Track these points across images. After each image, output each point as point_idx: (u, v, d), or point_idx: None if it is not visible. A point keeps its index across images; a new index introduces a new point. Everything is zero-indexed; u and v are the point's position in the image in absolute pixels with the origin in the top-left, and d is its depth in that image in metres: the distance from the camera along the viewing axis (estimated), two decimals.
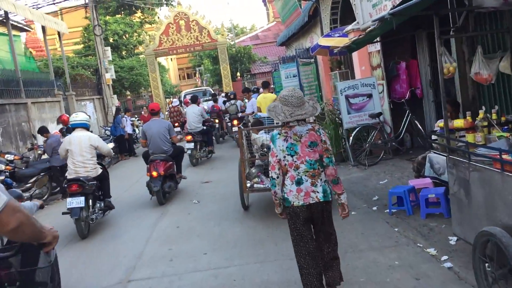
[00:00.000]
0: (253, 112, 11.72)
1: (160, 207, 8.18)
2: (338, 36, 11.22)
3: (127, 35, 37.34)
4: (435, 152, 5.91)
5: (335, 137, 9.77)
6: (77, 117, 7.33)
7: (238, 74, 32.83)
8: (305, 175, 3.59)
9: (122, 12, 38.84)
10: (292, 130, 3.64)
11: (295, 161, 3.60)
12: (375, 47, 9.32)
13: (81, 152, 6.98)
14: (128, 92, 32.13)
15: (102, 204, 7.37)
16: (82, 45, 37.74)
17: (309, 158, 3.59)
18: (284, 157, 3.63)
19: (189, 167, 11.90)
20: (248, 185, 6.68)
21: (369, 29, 5.39)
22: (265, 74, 34.19)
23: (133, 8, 39.37)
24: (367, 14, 9.17)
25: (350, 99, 9.40)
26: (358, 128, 9.07)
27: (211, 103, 20.41)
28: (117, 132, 16.42)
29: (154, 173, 8.05)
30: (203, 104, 23.50)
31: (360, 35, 6.49)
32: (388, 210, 6.09)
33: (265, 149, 6.49)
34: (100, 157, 8.73)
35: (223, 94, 25.92)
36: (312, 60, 14.77)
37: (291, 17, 18.47)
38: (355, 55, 9.93)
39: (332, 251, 3.79)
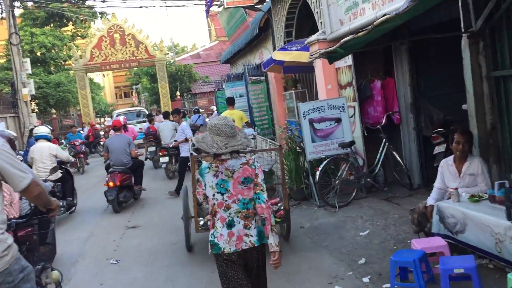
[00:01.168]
0: (186, 139, 9.80)
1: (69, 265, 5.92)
2: (296, 50, 9.58)
3: (56, 49, 34.14)
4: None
5: (295, 170, 7.96)
6: (39, 130, 9.21)
7: (178, 93, 30.63)
8: (237, 216, 3.20)
9: (52, 24, 35.61)
10: (224, 164, 3.23)
11: (226, 200, 3.21)
12: (345, 61, 7.67)
13: (42, 159, 8.40)
14: (53, 110, 28.95)
15: (64, 203, 8.46)
16: (4, 59, 34.17)
17: (242, 196, 3.21)
18: (214, 195, 3.22)
19: (164, 180, 11.91)
20: (201, 223, 5.64)
21: (380, 20, 3.61)
22: (207, 94, 32.29)
23: (64, 20, 36.34)
24: (337, 21, 7.52)
25: (315, 124, 7.65)
26: (327, 161, 7.28)
27: (146, 124, 18.13)
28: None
29: (111, 183, 8.71)
30: (136, 126, 21.16)
31: (343, 41, 4.70)
32: (389, 285, 4.25)
33: None
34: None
35: (160, 115, 23.65)
36: (263, 78, 13.03)
37: (237, 31, 16.75)
38: (319, 71, 8.24)
39: None
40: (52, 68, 34.60)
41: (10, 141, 6.50)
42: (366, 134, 7.68)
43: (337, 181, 7.20)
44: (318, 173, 7.17)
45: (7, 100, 18.02)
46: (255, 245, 3.20)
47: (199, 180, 3.35)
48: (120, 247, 6.67)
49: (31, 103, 31.21)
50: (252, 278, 3.28)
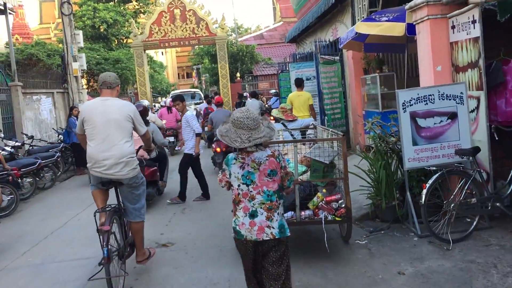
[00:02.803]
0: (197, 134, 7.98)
1: None
2: (387, 20, 7.39)
3: (118, 25, 33.35)
4: None
5: (385, 181, 5.81)
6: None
7: (238, 74, 28.78)
8: (261, 207, 3.22)
9: (116, 0, 34.88)
10: (250, 156, 3.23)
11: (251, 191, 3.22)
12: (468, 31, 5.37)
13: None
14: None
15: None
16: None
17: (267, 188, 3.23)
18: (239, 185, 3.24)
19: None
20: None
21: None
22: (268, 77, 30.30)
23: None
24: None
25: (418, 119, 5.44)
26: (439, 174, 5.06)
27: (203, 105, 16.70)
28: (70, 139, 12.44)
29: (218, 149, 9.69)
30: (190, 108, 19.65)
31: None
32: None
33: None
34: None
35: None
36: (337, 57, 10.81)
37: (307, 4, 14.56)
38: (425, 46, 5.96)
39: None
40: (114, 45, 33.93)
41: (145, 109, 7.94)
42: (497, 138, 5.37)
43: (452, 205, 4.96)
44: (424, 191, 4.98)
45: (57, 74, 16.87)
46: (276, 237, 3.21)
47: (224, 169, 3.34)
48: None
49: (88, 79, 30.96)
50: (270, 269, 3.28)
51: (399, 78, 8.72)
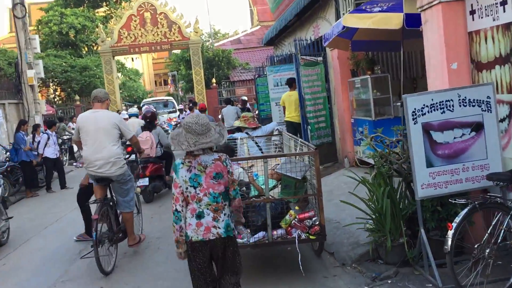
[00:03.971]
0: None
1: None
2: (381, 11, 6.20)
3: (87, 31, 31.64)
4: None
5: (390, 212, 4.47)
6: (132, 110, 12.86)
7: (214, 80, 27.34)
8: (207, 209, 3.35)
9: (85, 5, 33.18)
10: (197, 159, 3.38)
11: (198, 193, 3.35)
12: (495, 17, 4.10)
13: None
14: (77, 97, 26.30)
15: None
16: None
17: (213, 190, 3.36)
18: (187, 188, 3.36)
19: None
20: None
21: None
22: (246, 82, 28.96)
23: (98, 1, 33.89)
24: None
25: (433, 133, 4.13)
26: (469, 209, 3.72)
27: (176, 115, 15.67)
28: (18, 156, 10.88)
29: None
30: (162, 117, 18.36)
31: None
32: None
33: (243, 188, 4.95)
34: None
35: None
36: (320, 58, 9.50)
37: (285, 1, 13.29)
38: (437, 38, 4.67)
39: (237, 284, 3.50)
40: (84, 52, 32.22)
41: (153, 114, 9.47)
42: None
43: (488, 250, 3.63)
44: (451, 234, 3.63)
45: (9, 83, 15.22)
46: (222, 236, 3.31)
47: (174, 179, 3.40)
48: None
49: (54, 88, 29.16)
50: (217, 265, 3.43)
51: (394, 80, 7.46)
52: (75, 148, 17.93)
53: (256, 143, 6.79)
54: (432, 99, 4.12)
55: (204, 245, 3.32)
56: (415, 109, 4.11)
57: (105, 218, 5.45)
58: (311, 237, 4.65)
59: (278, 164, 5.35)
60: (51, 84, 28.18)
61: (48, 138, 11.21)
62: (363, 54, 8.11)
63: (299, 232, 4.61)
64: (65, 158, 16.47)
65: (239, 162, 5.52)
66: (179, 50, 32.64)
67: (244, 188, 4.99)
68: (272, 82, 12.37)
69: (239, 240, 4.49)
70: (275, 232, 4.64)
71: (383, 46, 7.90)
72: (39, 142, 11.20)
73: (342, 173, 8.44)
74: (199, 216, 3.32)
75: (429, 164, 4.13)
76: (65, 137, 17.06)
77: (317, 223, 4.70)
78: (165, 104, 22.89)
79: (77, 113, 25.41)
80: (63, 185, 11.25)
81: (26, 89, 14.97)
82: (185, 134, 3.35)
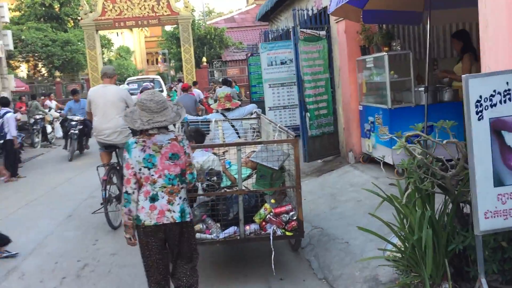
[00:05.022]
0: None
1: None
2: None
3: (72, 3, 29.71)
4: None
5: (432, 244, 3.04)
6: None
7: (204, 59, 25.71)
8: (162, 191, 3.17)
9: None
10: (152, 139, 3.18)
11: (152, 175, 3.15)
12: None
13: None
14: (57, 73, 24.61)
15: None
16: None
17: (169, 172, 3.18)
18: (140, 169, 3.14)
19: None
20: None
21: None
22: (239, 62, 27.35)
23: None
24: None
25: (507, 134, 2.71)
26: None
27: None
28: None
29: None
30: None
31: None
32: None
33: (214, 178, 4.39)
34: None
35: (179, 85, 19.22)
36: (323, 32, 8.00)
37: None
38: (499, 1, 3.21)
39: (191, 275, 3.33)
40: (69, 26, 30.36)
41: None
42: None
43: None
44: None
45: None
46: (176, 221, 3.16)
47: (126, 158, 3.18)
48: None
49: (35, 64, 27.36)
50: (173, 251, 3.27)
51: (418, 58, 6.02)
52: (49, 128, 16.44)
53: (232, 125, 6.30)
54: (508, 83, 2.69)
55: (157, 229, 3.14)
56: (480, 97, 2.67)
57: (113, 180, 6.02)
58: (287, 233, 4.24)
59: (254, 151, 4.79)
60: (31, 59, 26.40)
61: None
62: (377, 28, 6.64)
63: (275, 228, 4.18)
64: (37, 139, 14.93)
65: (210, 148, 4.92)
66: (171, 27, 30.96)
67: (214, 178, 4.42)
68: (266, 61, 10.85)
69: (207, 236, 4.17)
70: (248, 227, 4.21)
71: (400, 18, 6.46)
72: (2, 123, 9.69)
73: (346, 170, 7.03)
74: (153, 199, 3.16)
75: (498, 182, 2.72)
76: (37, 117, 15.44)
77: (295, 218, 4.25)
78: (151, 82, 21.30)
79: (57, 91, 23.78)
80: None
81: None
82: (139, 112, 3.17)
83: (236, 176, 4.37)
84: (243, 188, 4.30)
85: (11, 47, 14.36)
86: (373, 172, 6.42)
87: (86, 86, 23.95)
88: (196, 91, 15.12)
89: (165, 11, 23.17)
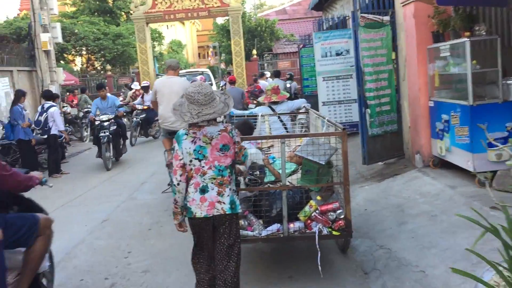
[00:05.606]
0: None
1: None
2: None
3: None
4: None
5: None
6: None
7: (255, 52, 25.03)
8: (212, 183, 3.16)
9: None
10: (202, 130, 3.19)
11: (203, 166, 3.15)
12: None
13: None
14: (108, 67, 24.69)
15: None
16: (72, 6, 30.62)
17: (218, 163, 3.17)
18: (191, 161, 3.16)
19: None
20: None
21: None
22: (290, 55, 26.46)
23: None
24: None
25: None
26: None
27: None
28: (14, 134, 9.17)
29: None
30: None
31: None
32: None
33: (257, 172, 4.21)
34: None
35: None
36: (387, 18, 7.07)
37: None
38: None
39: (235, 269, 3.22)
40: (122, 20, 30.57)
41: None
42: None
43: None
44: None
45: (20, 48, 13.55)
46: (226, 212, 3.13)
47: (175, 148, 3.20)
48: None
49: (87, 58, 27.62)
50: (218, 242, 3.23)
51: (506, 47, 5.02)
52: None
53: (281, 120, 6.11)
54: None
55: (207, 221, 3.14)
56: None
57: None
58: (334, 232, 3.99)
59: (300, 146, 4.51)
60: (84, 53, 26.67)
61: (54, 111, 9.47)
62: (454, 10, 5.66)
63: (320, 227, 3.96)
64: (85, 133, 14.81)
65: (253, 141, 4.81)
66: (223, 20, 30.51)
67: (257, 172, 4.20)
68: (320, 52, 10.05)
69: (249, 233, 3.99)
70: (291, 225, 4.03)
71: None
72: (46, 117, 9.43)
73: (413, 176, 6.11)
74: (203, 190, 3.14)
75: None
76: (86, 110, 15.33)
77: (342, 216, 4.01)
78: (200, 75, 20.87)
79: (108, 84, 23.84)
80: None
81: (40, 55, 13.24)
82: (187, 104, 3.16)
83: (280, 171, 4.10)
84: (287, 183, 4.05)
85: (60, 40, 14.19)
86: (447, 180, 5.48)
87: (136, 79, 23.84)
88: (263, 83, 14.83)
89: (215, 3, 22.61)
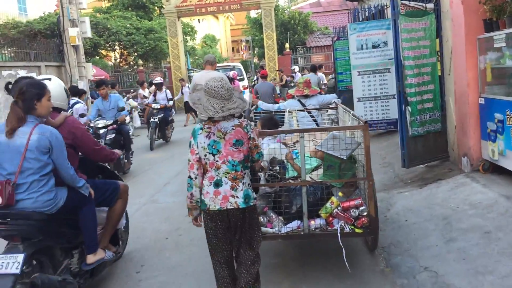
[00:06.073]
0: None
1: None
2: None
3: None
4: None
5: None
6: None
7: (287, 45, 24.40)
8: (225, 177, 3.17)
9: None
10: (217, 125, 3.20)
11: (217, 161, 3.18)
12: None
13: None
14: (140, 62, 24.57)
15: None
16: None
17: (232, 158, 3.18)
18: (205, 155, 3.19)
19: None
20: None
21: None
22: (324, 48, 25.71)
23: None
24: None
25: None
26: None
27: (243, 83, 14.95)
28: None
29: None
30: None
31: None
32: None
33: (277, 168, 4.13)
34: None
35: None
36: (431, 5, 6.38)
37: None
38: None
39: (254, 262, 3.24)
40: (155, 15, 30.47)
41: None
42: None
43: None
44: None
45: (48, 44, 13.43)
46: (240, 206, 3.14)
47: (191, 144, 3.23)
48: None
49: (121, 53, 27.62)
50: (235, 236, 3.23)
51: None
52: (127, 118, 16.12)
53: (311, 115, 5.97)
54: None
55: (221, 214, 3.14)
56: None
57: None
58: (356, 230, 3.86)
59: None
60: (117, 48, 26.67)
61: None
62: None
63: (342, 224, 3.83)
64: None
65: (277, 136, 4.75)
66: (256, 14, 30.00)
67: (277, 168, 4.10)
68: (355, 45, 9.41)
69: (268, 229, 3.92)
70: (312, 222, 3.92)
71: None
72: (71, 113, 9.20)
73: (460, 182, 5.45)
74: (217, 184, 3.15)
75: None
76: None
77: (365, 213, 3.87)
78: (231, 70, 20.47)
79: (140, 79, 23.76)
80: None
81: (69, 50, 13.13)
82: (208, 98, 3.15)
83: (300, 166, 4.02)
84: (308, 179, 4.00)
85: (89, 34, 14.03)
86: (501, 188, 4.81)
87: (168, 74, 23.66)
88: (320, 75, 15.05)
89: None
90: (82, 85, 13.14)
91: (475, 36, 5.50)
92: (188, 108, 15.21)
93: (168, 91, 12.58)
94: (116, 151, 4.14)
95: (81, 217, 3.50)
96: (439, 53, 6.43)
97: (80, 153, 3.74)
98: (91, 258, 3.56)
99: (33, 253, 3.16)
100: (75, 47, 13.24)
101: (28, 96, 3.22)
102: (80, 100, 9.55)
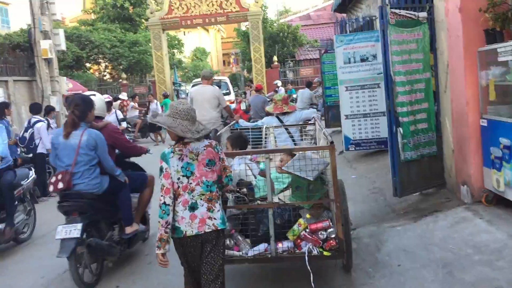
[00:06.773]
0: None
1: None
2: None
3: (144, 4, 29.03)
4: None
5: None
6: None
7: (275, 58, 23.78)
8: (201, 199, 3.11)
9: None
10: (188, 147, 3.16)
11: (190, 183, 3.11)
12: None
13: None
14: (124, 75, 23.82)
15: None
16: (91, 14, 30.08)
17: (206, 179, 3.14)
18: (179, 178, 3.11)
19: None
20: None
21: None
22: (313, 62, 25.13)
23: None
24: None
25: None
26: None
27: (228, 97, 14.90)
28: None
29: None
30: None
31: None
32: None
33: (244, 189, 4.08)
34: None
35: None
36: (424, 14, 5.71)
37: None
38: None
39: (222, 284, 3.14)
40: (142, 28, 29.82)
41: None
42: None
43: None
44: None
45: (19, 57, 12.64)
46: (219, 228, 3.08)
47: (162, 169, 3.12)
48: None
49: (105, 65, 26.83)
50: (208, 264, 3.11)
51: None
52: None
53: (288, 131, 5.95)
54: None
55: (196, 239, 3.06)
56: None
57: None
58: (325, 253, 3.72)
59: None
60: (101, 61, 25.92)
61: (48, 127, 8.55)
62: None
63: (310, 247, 3.69)
64: None
65: (248, 156, 4.62)
66: (246, 27, 29.48)
67: (244, 190, 4.01)
68: (342, 58, 8.71)
69: (235, 253, 3.84)
70: (280, 245, 3.79)
71: None
72: (32, 133, 8.45)
73: (460, 217, 4.72)
74: (193, 208, 3.07)
75: None
76: None
77: (333, 236, 3.73)
78: (218, 85, 19.83)
79: (123, 91, 22.96)
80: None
81: (40, 64, 12.32)
82: (180, 121, 3.11)
83: (276, 186, 4.21)
84: (276, 200, 4.04)
85: (63, 47, 13.19)
86: (510, 226, 4.08)
87: (152, 88, 22.93)
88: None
89: (234, 7, 21.58)
90: (54, 100, 12.35)
91: (475, 49, 4.82)
92: (151, 127, 14.50)
93: (118, 111, 11.86)
94: (143, 146, 5.19)
95: (119, 198, 4.54)
96: (433, 68, 5.73)
97: (116, 150, 4.74)
98: (128, 229, 4.60)
99: (87, 224, 4.20)
100: (48, 60, 12.46)
101: (82, 108, 4.26)
102: (42, 119, 8.75)
